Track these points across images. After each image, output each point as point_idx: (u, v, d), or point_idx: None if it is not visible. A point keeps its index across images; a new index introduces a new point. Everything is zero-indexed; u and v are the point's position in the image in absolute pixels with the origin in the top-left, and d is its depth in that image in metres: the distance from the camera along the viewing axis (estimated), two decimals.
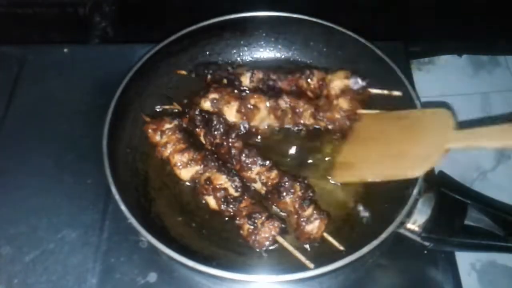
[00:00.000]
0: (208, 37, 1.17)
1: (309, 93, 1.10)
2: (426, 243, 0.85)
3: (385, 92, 1.03)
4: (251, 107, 1.05)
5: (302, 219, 0.89)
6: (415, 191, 0.82)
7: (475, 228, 0.83)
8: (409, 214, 0.83)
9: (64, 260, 0.96)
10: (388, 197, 0.92)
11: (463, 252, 0.94)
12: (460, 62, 1.41)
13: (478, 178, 1.20)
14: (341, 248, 0.86)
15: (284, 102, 1.05)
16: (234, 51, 1.21)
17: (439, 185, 0.89)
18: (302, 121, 1.06)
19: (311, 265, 0.82)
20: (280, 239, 0.89)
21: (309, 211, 0.89)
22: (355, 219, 0.95)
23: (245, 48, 1.22)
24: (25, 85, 1.24)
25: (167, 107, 1.12)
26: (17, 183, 1.06)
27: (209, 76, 1.14)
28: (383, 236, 0.77)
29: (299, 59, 1.21)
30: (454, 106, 1.23)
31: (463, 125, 0.84)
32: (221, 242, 0.94)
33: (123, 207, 0.85)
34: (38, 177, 1.07)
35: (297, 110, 1.05)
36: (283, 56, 1.22)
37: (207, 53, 1.20)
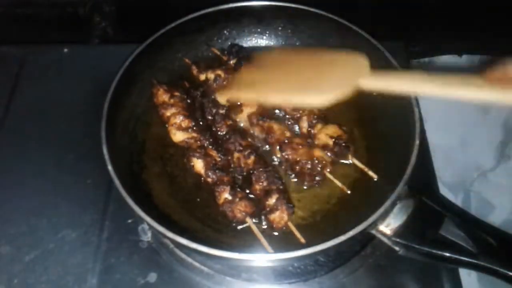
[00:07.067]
0: (226, 21, 1.19)
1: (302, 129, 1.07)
2: (396, 248, 0.86)
3: (364, 168, 0.99)
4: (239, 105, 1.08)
5: (267, 207, 0.92)
6: (393, 195, 0.82)
7: (449, 241, 0.82)
8: (383, 217, 0.84)
9: (64, 260, 0.96)
10: (370, 201, 0.90)
11: (431, 262, 0.90)
12: (460, 62, 1.41)
13: (478, 178, 1.19)
14: (302, 240, 0.88)
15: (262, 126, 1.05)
16: (251, 37, 1.23)
17: (420, 193, 0.88)
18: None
19: (271, 250, 0.86)
20: (249, 220, 0.92)
21: (272, 200, 0.92)
22: (333, 216, 0.95)
23: (262, 36, 1.23)
24: (25, 85, 1.24)
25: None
26: (17, 183, 1.06)
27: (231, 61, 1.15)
28: (351, 233, 0.78)
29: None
30: (453, 106, 1.23)
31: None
32: (200, 217, 0.96)
33: (110, 167, 0.86)
34: (38, 177, 1.07)
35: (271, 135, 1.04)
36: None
37: (224, 36, 1.22)
